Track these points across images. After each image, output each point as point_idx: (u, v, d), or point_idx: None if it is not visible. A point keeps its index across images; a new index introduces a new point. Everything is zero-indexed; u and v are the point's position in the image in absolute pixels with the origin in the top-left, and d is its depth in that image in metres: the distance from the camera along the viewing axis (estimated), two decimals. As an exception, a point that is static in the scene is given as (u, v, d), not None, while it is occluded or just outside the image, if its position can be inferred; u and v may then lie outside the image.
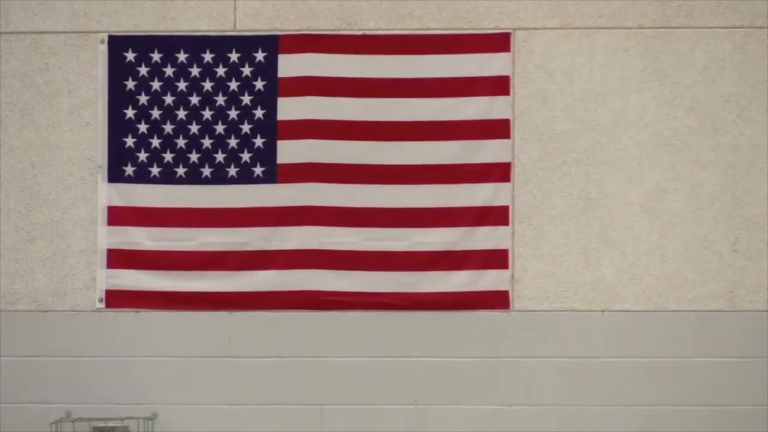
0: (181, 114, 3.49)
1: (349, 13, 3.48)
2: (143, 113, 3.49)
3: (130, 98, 3.50)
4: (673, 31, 3.45)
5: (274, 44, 3.48)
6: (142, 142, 3.49)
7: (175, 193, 3.48)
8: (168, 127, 3.49)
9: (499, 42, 3.46)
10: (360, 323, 3.43)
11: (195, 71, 3.49)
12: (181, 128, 3.49)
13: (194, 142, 3.49)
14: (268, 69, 3.48)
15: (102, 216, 3.48)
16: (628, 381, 3.38)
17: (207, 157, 3.48)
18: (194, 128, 3.49)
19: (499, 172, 3.44)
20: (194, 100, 3.49)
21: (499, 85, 3.45)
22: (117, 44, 3.50)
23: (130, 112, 3.50)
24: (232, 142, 3.48)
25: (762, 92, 3.42)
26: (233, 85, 3.48)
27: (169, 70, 3.49)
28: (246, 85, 3.48)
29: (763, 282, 3.40)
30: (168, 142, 3.49)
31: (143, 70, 3.50)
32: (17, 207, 3.51)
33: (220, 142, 3.48)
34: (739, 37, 3.43)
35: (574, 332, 3.41)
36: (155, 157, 3.49)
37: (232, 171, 3.48)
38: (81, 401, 3.42)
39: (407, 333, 3.43)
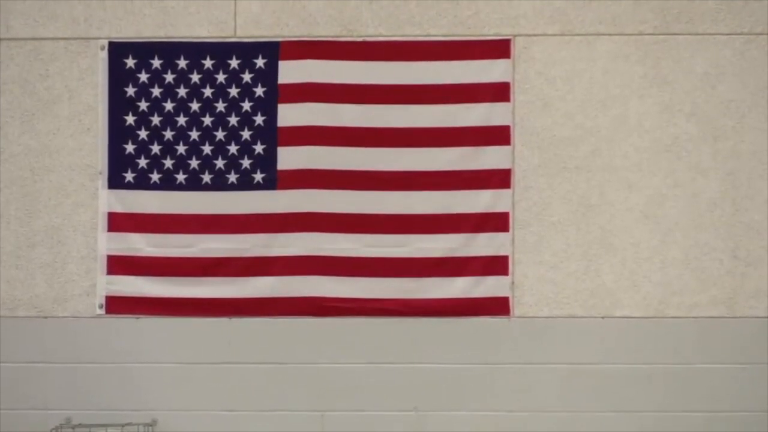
0: (181, 120, 3.49)
1: (350, 19, 3.49)
2: (143, 120, 3.50)
3: (131, 104, 3.50)
4: (674, 37, 3.45)
5: (274, 51, 3.48)
6: (142, 148, 3.49)
7: (175, 200, 3.48)
8: (168, 134, 3.49)
9: (499, 48, 3.46)
10: (360, 329, 3.43)
11: (195, 78, 3.49)
12: (181, 135, 3.49)
13: (194, 149, 3.49)
14: (269, 75, 3.48)
15: (102, 222, 3.48)
16: (628, 387, 3.38)
17: (207, 163, 3.48)
18: (194, 134, 3.49)
19: (499, 179, 3.44)
20: (194, 106, 3.49)
21: (499, 92, 3.45)
22: (117, 51, 3.50)
23: (130, 119, 3.50)
24: (232, 149, 3.48)
25: (762, 99, 3.42)
26: (233, 91, 3.49)
27: (169, 77, 3.49)
28: (246, 91, 3.48)
29: (763, 288, 3.40)
30: (168, 149, 3.49)
31: (143, 77, 3.50)
32: (17, 213, 3.51)
33: (220, 149, 3.48)
34: (739, 44, 3.44)
35: (574, 338, 3.41)
36: (155, 163, 3.49)
37: (233, 177, 3.48)
38: (81, 407, 3.42)
39: (407, 339, 3.43)
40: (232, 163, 3.48)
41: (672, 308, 3.41)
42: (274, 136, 3.47)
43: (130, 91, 3.50)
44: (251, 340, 3.45)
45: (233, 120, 3.48)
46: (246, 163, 3.47)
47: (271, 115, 3.47)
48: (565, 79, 3.46)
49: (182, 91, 3.49)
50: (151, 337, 3.46)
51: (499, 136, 3.45)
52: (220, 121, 3.49)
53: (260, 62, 3.48)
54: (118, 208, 3.48)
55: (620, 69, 3.45)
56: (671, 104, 3.44)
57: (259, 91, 3.48)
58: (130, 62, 3.50)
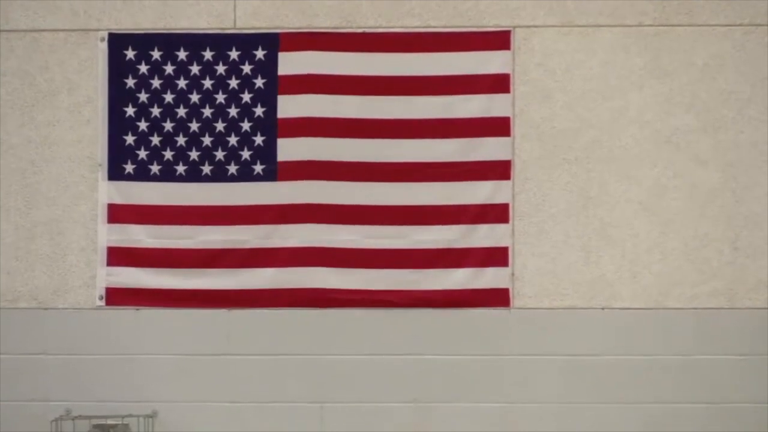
0: (181, 112, 3.49)
1: (349, 11, 3.48)
2: (143, 111, 3.50)
3: (130, 96, 3.50)
4: (673, 28, 3.45)
5: (274, 42, 3.48)
6: (142, 140, 3.49)
7: (175, 191, 3.48)
8: (168, 125, 3.49)
9: (499, 40, 3.46)
10: (360, 321, 3.43)
11: (195, 69, 3.49)
12: (181, 126, 3.49)
13: (194, 140, 3.49)
14: (268, 67, 3.48)
15: (102, 214, 3.48)
16: (628, 378, 3.38)
17: (207, 155, 3.48)
18: (194, 126, 3.49)
19: (499, 170, 3.44)
20: (194, 98, 3.49)
21: (499, 83, 3.45)
22: (117, 42, 3.50)
23: (130, 110, 3.50)
24: (232, 140, 3.48)
25: (762, 90, 3.42)
26: (233, 83, 3.49)
27: (169, 68, 3.49)
28: (246, 83, 3.48)
29: (763, 280, 3.40)
30: (168, 140, 3.49)
31: (143, 68, 3.50)
32: (17, 205, 3.51)
33: (220, 140, 3.48)
34: (739, 35, 3.43)
35: (574, 330, 3.41)
36: (155, 155, 3.49)
37: (232, 169, 3.48)
38: (81, 399, 3.42)
39: (407, 331, 3.43)
40: (232, 154, 3.48)
41: (672, 299, 3.41)
42: (273, 127, 3.47)
43: (130, 82, 3.50)
44: (251, 332, 3.45)
45: (233, 111, 3.48)
46: (246, 154, 3.47)
47: (271, 107, 3.47)
48: (565, 70, 3.46)
49: (182, 83, 3.49)
50: (151, 328, 3.46)
51: (498, 127, 3.45)
52: (220, 112, 3.49)
53: (260, 54, 3.48)
54: (118, 200, 3.48)
55: (620, 60, 3.45)
56: (671, 96, 3.44)
57: (259, 82, 3.48)
58: (130, 54, 3.50)
